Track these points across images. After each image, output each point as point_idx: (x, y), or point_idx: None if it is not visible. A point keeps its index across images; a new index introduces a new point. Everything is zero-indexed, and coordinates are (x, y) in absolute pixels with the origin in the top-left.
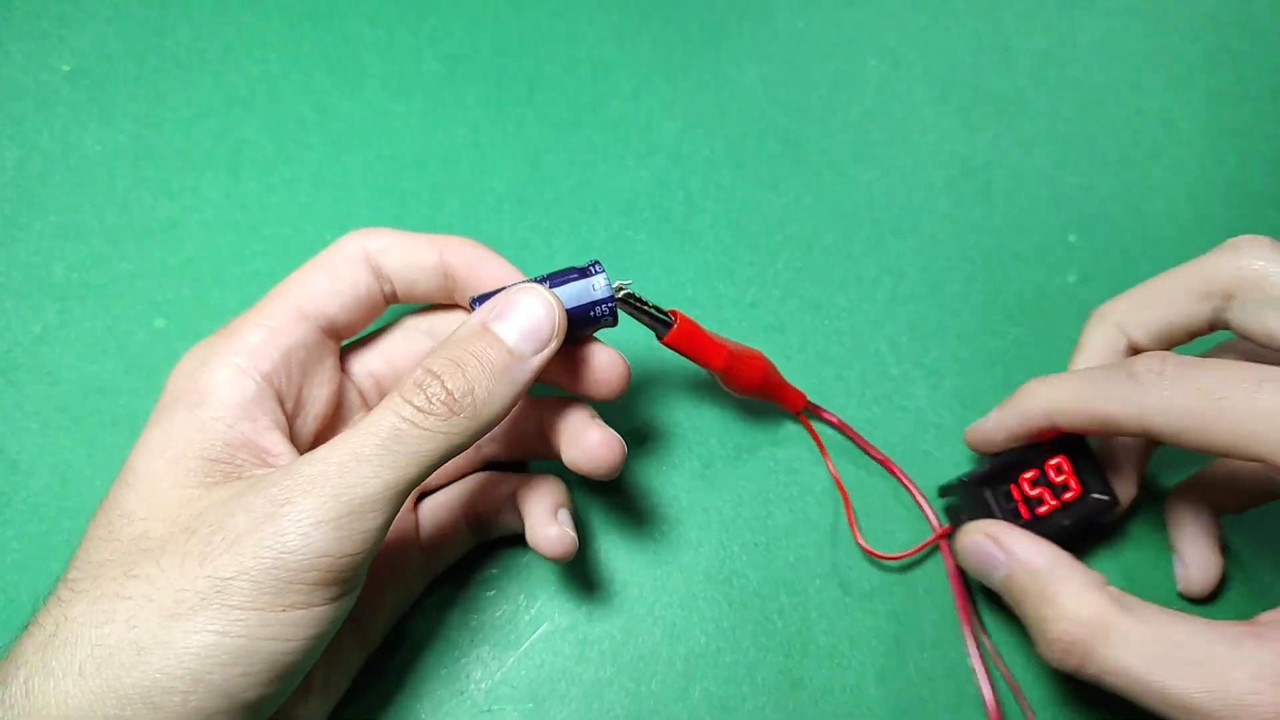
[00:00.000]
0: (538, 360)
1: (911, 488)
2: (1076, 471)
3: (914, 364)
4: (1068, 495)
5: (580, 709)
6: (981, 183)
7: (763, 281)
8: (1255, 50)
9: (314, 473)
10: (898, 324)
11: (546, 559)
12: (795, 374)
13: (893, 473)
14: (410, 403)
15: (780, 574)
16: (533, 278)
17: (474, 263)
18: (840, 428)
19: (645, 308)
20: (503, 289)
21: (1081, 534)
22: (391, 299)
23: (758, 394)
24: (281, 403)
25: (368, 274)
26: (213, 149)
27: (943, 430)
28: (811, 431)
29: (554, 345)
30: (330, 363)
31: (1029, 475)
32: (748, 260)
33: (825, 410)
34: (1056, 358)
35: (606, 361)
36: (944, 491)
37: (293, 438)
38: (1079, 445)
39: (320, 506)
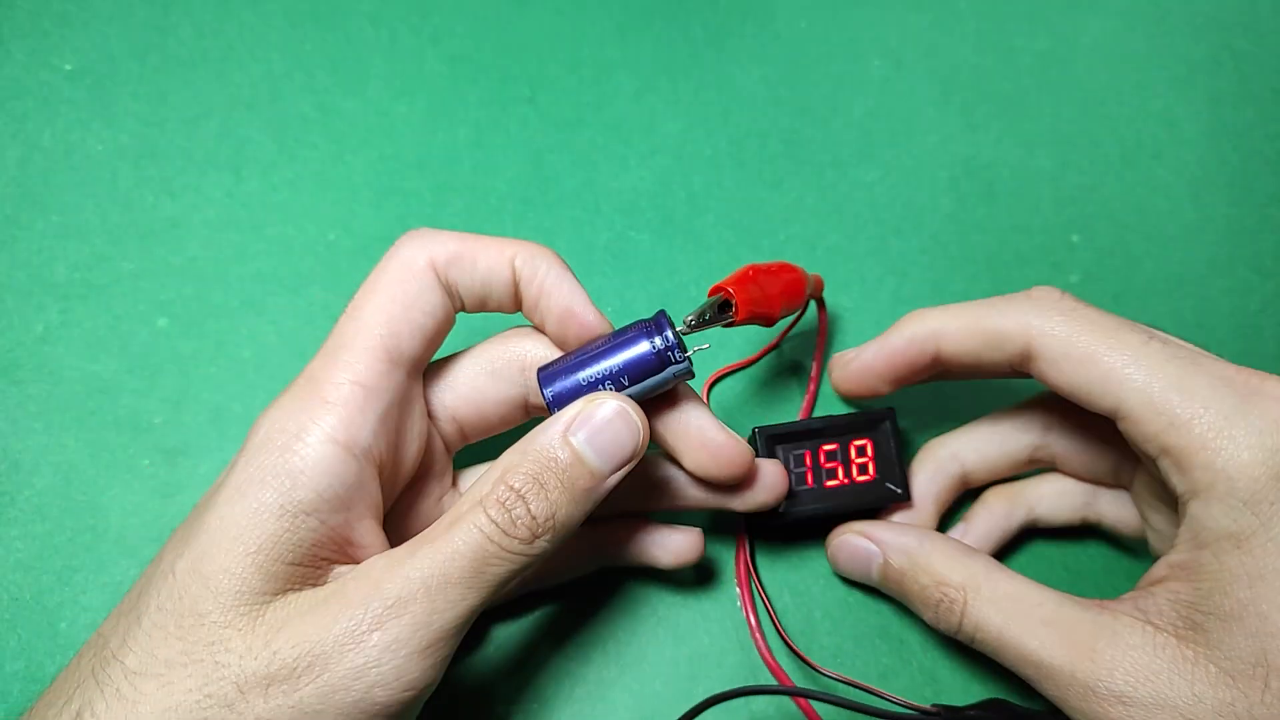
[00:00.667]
0: (616, 479)
1: None
2: (878, 457)
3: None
4: (862, 477)
5: (584, 709)
6: (984, 183)
7: None
8: (1257, 50)
9: (402, 595)
10: None
11: (681, 566)
12: (798, 373)
13: None
14: (494, 521)
15: (784, 575)
16: (600, 348)
17: (546, 284)
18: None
19: (708, 321)
20: (570, 366)
21: (865, 514)
22: (460, 310)
23: (803, 302)
24: (380, 474)
25: (440, 294)
26: (215, 148)
27: (945, 430)
28: (823, 314)
29: (634, 464)
30: (419, 409)
31: (829, 447)
32: (751, 260)
33: (824, 306)
34: None
35: (729, 448)
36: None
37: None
38: (888, 433)
39: (411, 636)
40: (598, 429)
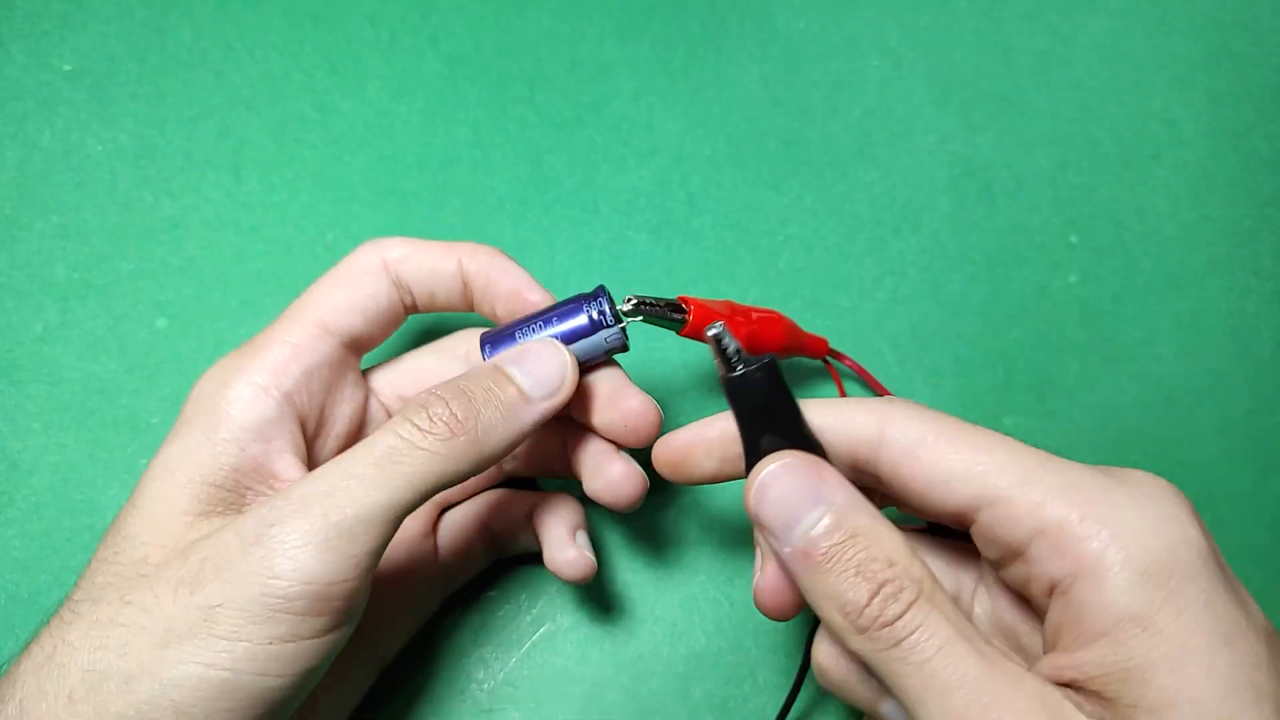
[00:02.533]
0: (545, 406)
1: None
2: None
3: (915, 364)
4: None
5: (582, 709)
6: (983, 183)
7: (764, 282)
8: (1256, 50)
9: (306, 493)
10: (899, 324)
11: (564, 581)
12: (797, 374)
13: None
14: (410, 420)
15: None
16: (539, 313)
17: (491, 273)
18: (859, 373)
19: (656, 311)
20: (510, 328)
21: None
22: (412, 309)
23: (782, 354)
24: (302, 423)
25: (388, 286)
26: (214, 149)
27: None
28: (835, 376)
29: (563, 396)
30: (352, 378)
31: None
32: (749, 260)
33: (846, 356)
34: (1057, 358)
35: (638, 408)
36: None
37: (315, 458)
38: None
39: (309, 529)
40: (528, 359)
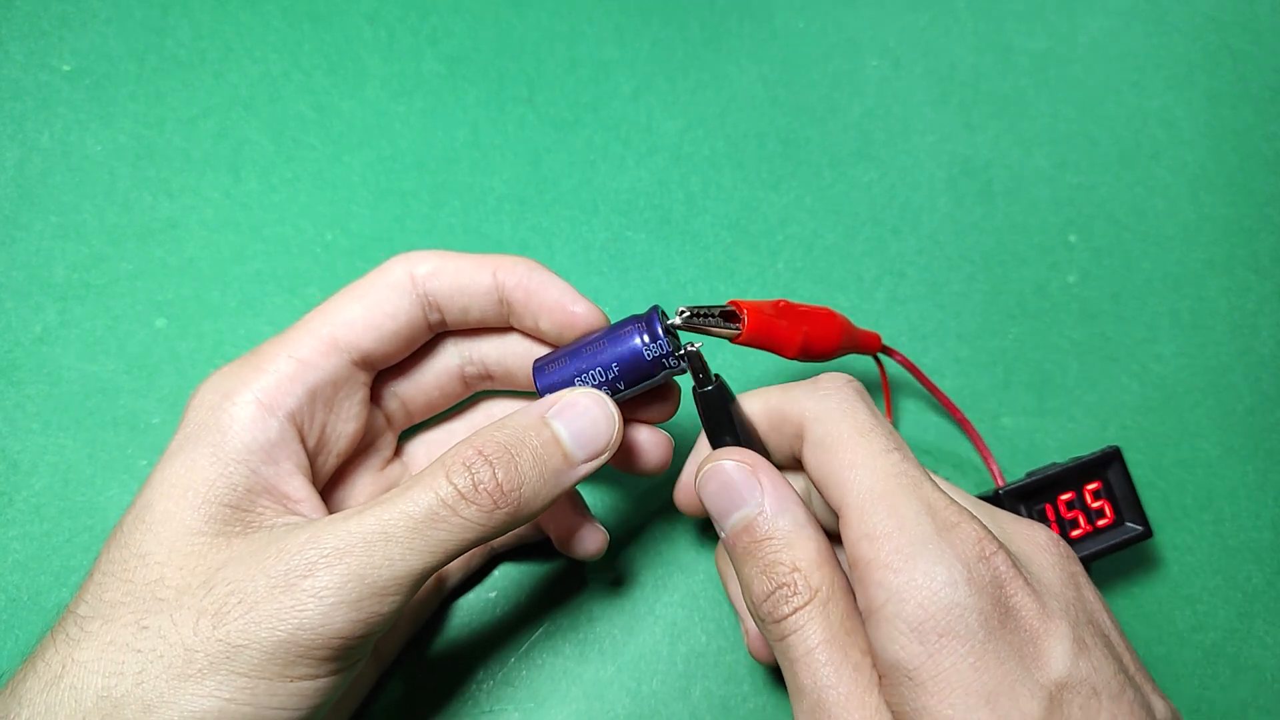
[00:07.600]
0: (587, 468)
1: (975, 436)
2: (1113, 497)
3: (915, 364)
4: (1102, 521)
5: (581, 708)
6: (982, 183)
7: (763, 281)
8: (1256, 50)
9: (339, 546)
10: (898, 324)
11: (579, 559)
12: (795, 374)
13: (956, 417)
14: (454, 484)
15: None
16: (593, 342)
17: (530, 286)
18: (909, 368)
19: (710, 322)
20: (564, 360)
21: (1109, 557)
22: (439, 327)
23: (837, 351)
24: (304, 441)
25: (411, 303)
26: (213, 149)
27: (942, 430)
28: (883, 372)
29: (605, 457)
30: (360, 396)
31: (1066, 497)
32: (748, 260)
33: (897, 352)
34: (1056, 357)
35: (650, 441)
36: None
37: (315, 473)
38: (1120, 472)
39: (341, 586)
40: (576, 416)
